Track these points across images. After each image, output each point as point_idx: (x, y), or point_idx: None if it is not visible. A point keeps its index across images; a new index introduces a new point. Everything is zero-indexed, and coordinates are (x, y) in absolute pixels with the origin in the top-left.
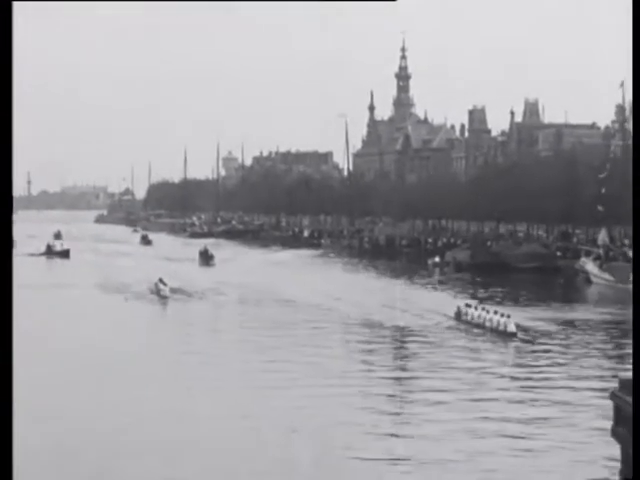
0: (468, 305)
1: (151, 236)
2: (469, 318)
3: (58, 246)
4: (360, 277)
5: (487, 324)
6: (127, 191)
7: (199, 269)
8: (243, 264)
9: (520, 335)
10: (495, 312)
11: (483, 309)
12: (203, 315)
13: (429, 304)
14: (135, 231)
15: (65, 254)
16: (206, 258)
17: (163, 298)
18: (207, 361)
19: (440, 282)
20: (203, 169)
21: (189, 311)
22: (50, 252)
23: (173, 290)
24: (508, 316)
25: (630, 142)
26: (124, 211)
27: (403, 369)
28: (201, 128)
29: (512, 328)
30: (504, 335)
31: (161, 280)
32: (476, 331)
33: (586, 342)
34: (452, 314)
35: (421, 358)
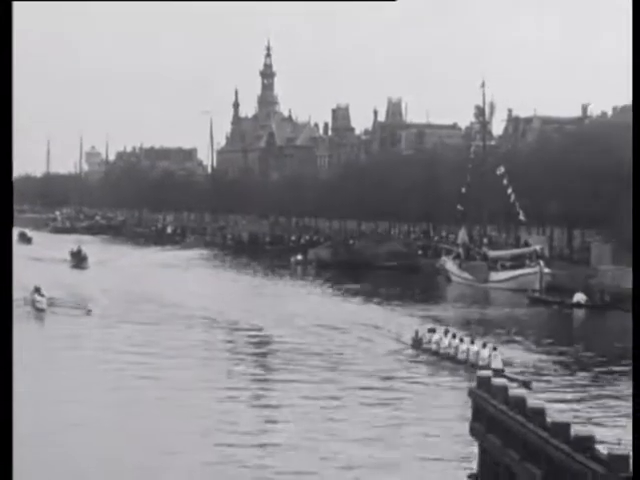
0: (432, 330)
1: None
2: (434, 347)
3: None
4: (257, 281)
5: (461, 356)
6: None
7: (73, 273)
8: (120, 267)
9: (509, 374)
10: (472, 342)
11: (454, 336)
12: (83, 335)
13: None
14: None
15: None
16: (79, 260)
17: (39, 311)
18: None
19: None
20: (66, 164)
21: (68, 330)
22: None
23: (50, 301)
24: (494, 348)
25: (490, 142)
26: None
27: None
28: (64, 122)
29: (498, 364)
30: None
31: (37, 289)
32: (447, 365)
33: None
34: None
35: None
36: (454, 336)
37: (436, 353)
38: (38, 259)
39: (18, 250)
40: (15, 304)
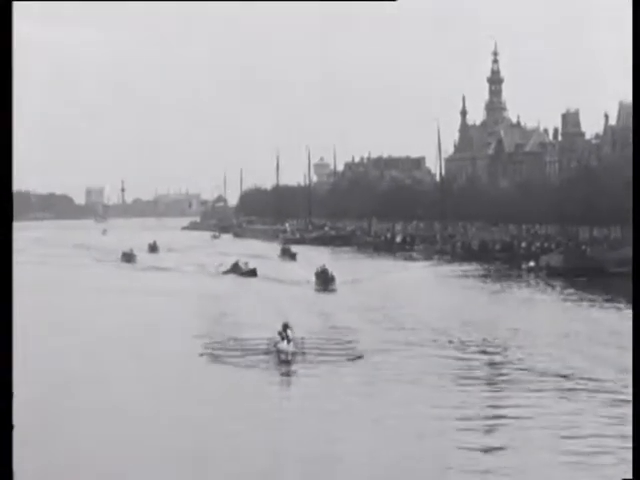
0: None
1: (247, 244)
2: None
3: (243, 266)
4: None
5: None
6: (220, 198)
7: (321, 297)
8: (374, 290)
9: None
10: None
11: None
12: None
13: None
14: (215, 237)
15: (252, 273)
16: (325, 281)
17: (282, 364)
18: None
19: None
20: (295, 175)
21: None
22: (236, 271)
23: (299, 345)
24: None
25: None
26: (216, 218)
27: None
28: (293, 134)
29: None
30: None
31: (284, 329)
32: None
33: None
34: None
35: None
36: None
37: None
38: (280, 280)
39: (284, 268)
40: (257, 352)
